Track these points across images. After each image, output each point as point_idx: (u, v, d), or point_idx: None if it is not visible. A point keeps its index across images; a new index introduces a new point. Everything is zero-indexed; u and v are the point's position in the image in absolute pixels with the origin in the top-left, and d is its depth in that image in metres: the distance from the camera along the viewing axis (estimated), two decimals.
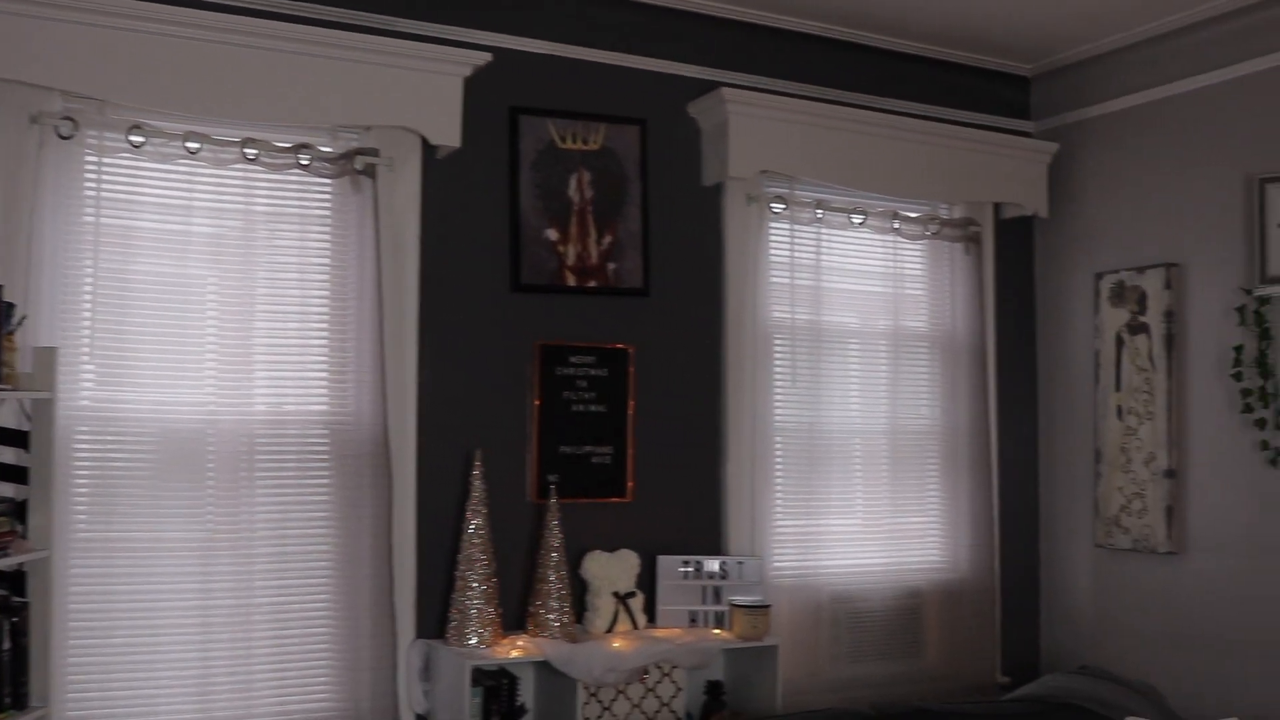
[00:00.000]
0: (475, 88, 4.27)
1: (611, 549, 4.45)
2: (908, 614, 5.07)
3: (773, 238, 4.84)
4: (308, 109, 3.99)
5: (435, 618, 4.21)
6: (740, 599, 4.46)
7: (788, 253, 4.86)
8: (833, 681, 4.84)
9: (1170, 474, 4.90)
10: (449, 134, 4.19)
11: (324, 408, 4.07)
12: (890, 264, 5.11)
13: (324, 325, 4.10)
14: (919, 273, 5.20)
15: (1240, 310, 4.60)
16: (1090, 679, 4.70)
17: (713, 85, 4.72)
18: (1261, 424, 4.52)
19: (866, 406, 5.05)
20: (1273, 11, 4.60)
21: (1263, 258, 4.48)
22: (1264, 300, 4.50)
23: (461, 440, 4.28)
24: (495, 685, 4.10)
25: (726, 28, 4.85)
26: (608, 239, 4.56)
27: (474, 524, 4.11)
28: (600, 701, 4.25)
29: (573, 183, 4.52)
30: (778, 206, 4.81)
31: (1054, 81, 5.47)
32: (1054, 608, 5.42)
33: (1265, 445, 4.53)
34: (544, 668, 4.15)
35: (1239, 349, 4.59)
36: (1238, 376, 4.59)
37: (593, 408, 4.52)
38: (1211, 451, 4.80)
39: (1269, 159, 4.61)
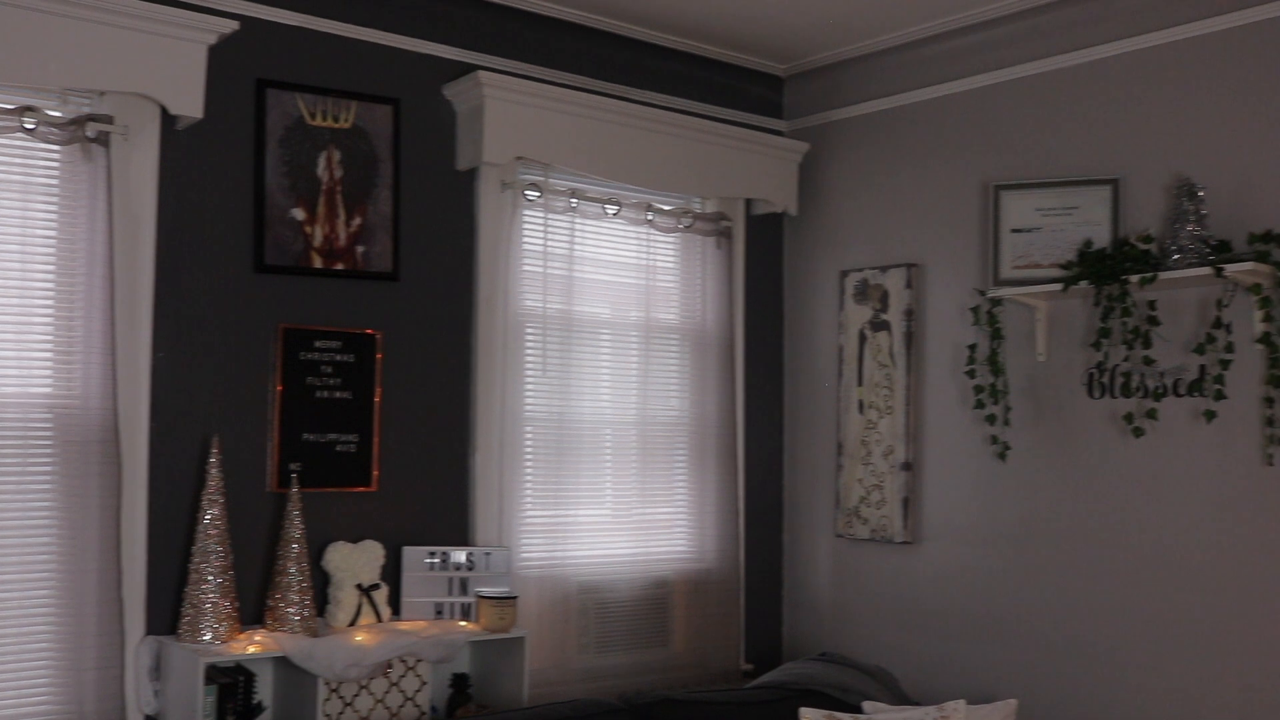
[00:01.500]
0: (220, 57, 4.06)
1: (355, 540, 4.32)
2: (655, 604, 5.11)
3: (526, 225, 4.78)
4: (33, 68, 3.70)
5: (167, 613, 3.99)
6: (487, 590, 4.40)
7: (541, 241, 4.81)
8: (581, 672, 4.82)
9: (907, 466, 5.08)
10: (190, 104, 3.97)
11: (48, 390, 3.80)
12: (643, 256, 5.13)
13: (49, 303, 3.82)
14: (671, 265, 5.24)
15: (975, 310, 4.80)
16: (830, 665, 4.83)
17: (470, 68, 4.63)
18: (992, 419, 4.73)
19: (617, 397, 5.05)
20: (1009, 28, 4.82)
21: (996, 261, 4.68)
22: (996, 301, 4.70)
23: (198, 427, 4.08)
24: (231, 683, 3.92)
25: (486, 10, 4.77)
26: (357, 221, 4.42)
27: (210, 514, 3.92)
28: (342, 697, 4.12)
29: (322, 161, 4.36)
30: (532, 194, 4.76)
31: (806, 82, 5.60)
32: (796, 596, 5.56)
33: (995, 440, 4.74)
34: (283, 664, 4.00)
35: (973, 348, 4.79)
36: (971, 374, 4.79)
37: (338, 394, 4.37)
38: (946, 445, 5.00)
39: (1004, 167, 4.83)
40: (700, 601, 5.18)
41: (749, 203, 5.48)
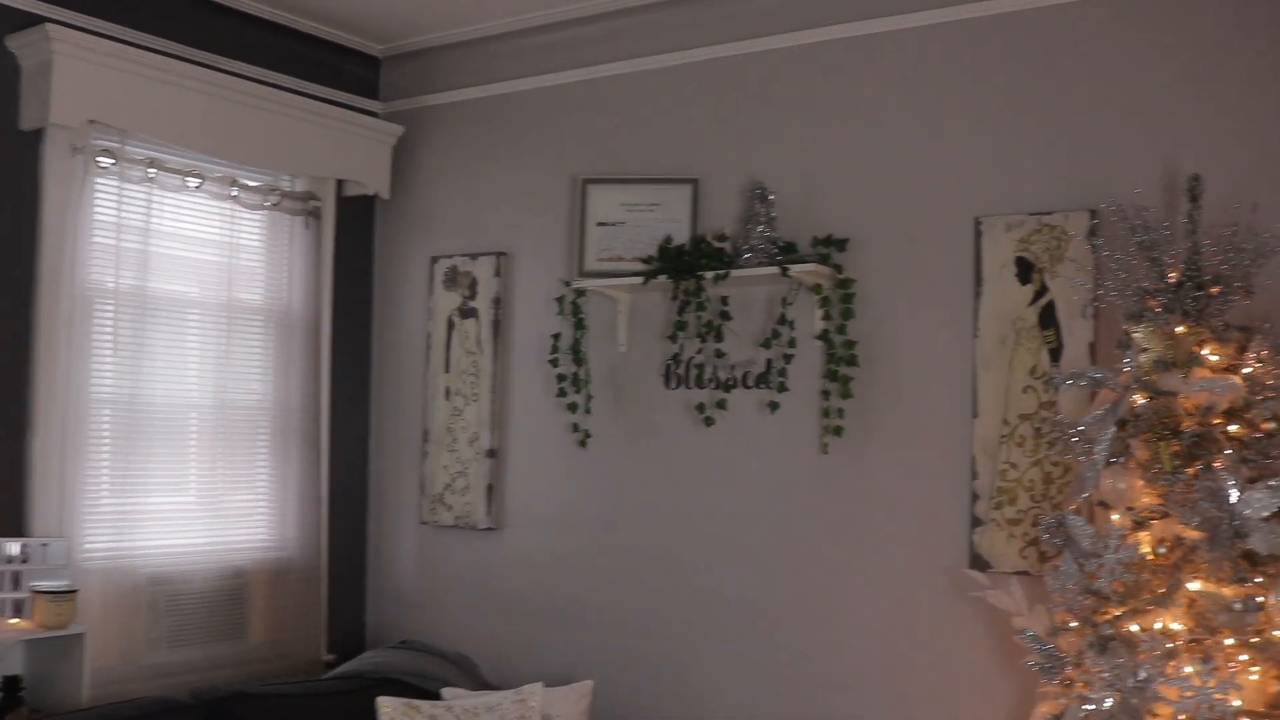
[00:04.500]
0: None
1: None
2: (232, 594, 4.92)
3: (98, 195, 4.48)
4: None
5: None
6: (43, 584, 4.10)
7: (115, 213, 4.52)
8: (151, 668, 4.57)
9: (492, 453, 5.13)
10: None
11: None
12: (227, 233, 4.93)
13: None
14: (256, 244, 5.06)
15: (560, 300, 4.91)
16: (410, 652, 4.82)
17: (38, 19, 4.30)
18: (574, 408, 4.85)
19: (196, 379, 4.83)
20: (602, 27, 4.96)
21: (581, 252, 4.81)
22: (581, 292, 4.82)
23: None
24: None
25: None
26: None
27: None
28: None
29: None
30: (106, 161, 4.47)
31: (403, 65, 5.55)
32: (380, 584, 5.51)
33: (577, 428, 4.87)
34: None
35: (557, 337, 4.90)
36: (554, 362, 4.90)
37: None
38: (530, 433, 5.09)
39: (591, 161, 4.96)
40: (280, 591, 5.03)
41: (340, 184, 5.38)
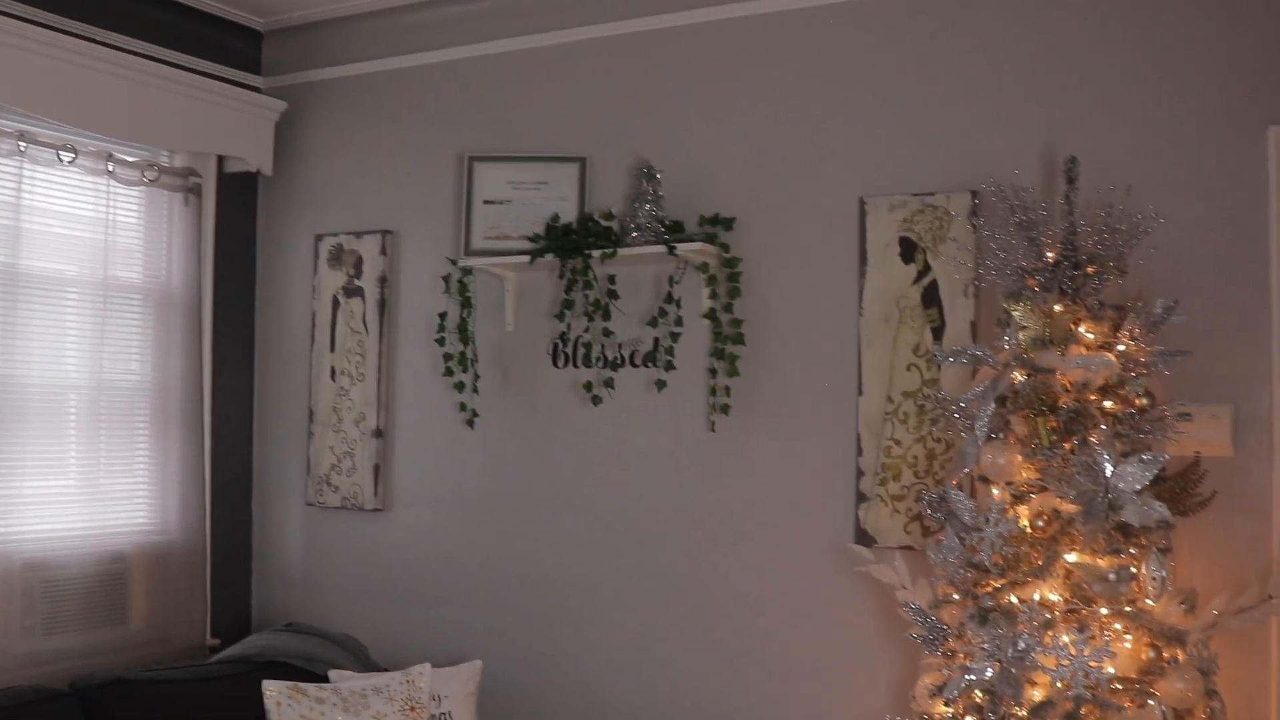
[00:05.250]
0: None
1: None
2: (112, 580, 4.80)
3: None
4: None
5: None
6: None
7: None
8: (24, 657, 4.44)
9: (379, 434, 5.08)
10: None
11: None
12: (103, 209, 4.79)
13: None
14: (134, 221, 4.93)
15: (446, 279, 4.87)
16: (296, 635, 4.76)
17: None
18: (461, 387, 4.82)
19: (74, 360, 4.70)
20: (488, 3, 4.92)
21: (468, 231, 4.77)
22: (467, 271, 4.79)
23: None
24: None
25: None
26: None
27: None
28: None
29: None
30: None
31: (286, 39, 5.44)
32: (266, 567, 5.42)
33: (464, 407, 4.84)
34: None
35: (443, 316, 4.86)
36: (441, 341, 4.86)
37: None
38: (417, 412, 5.05)
39: (478, 139, 4.92)
40: (162, 576, 4.93)
41: (221, 160, 5.26)
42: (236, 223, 5.39)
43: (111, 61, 4.66)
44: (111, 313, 4.82)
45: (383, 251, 5.10)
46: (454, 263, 4.84)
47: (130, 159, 4.86)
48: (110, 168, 4.76)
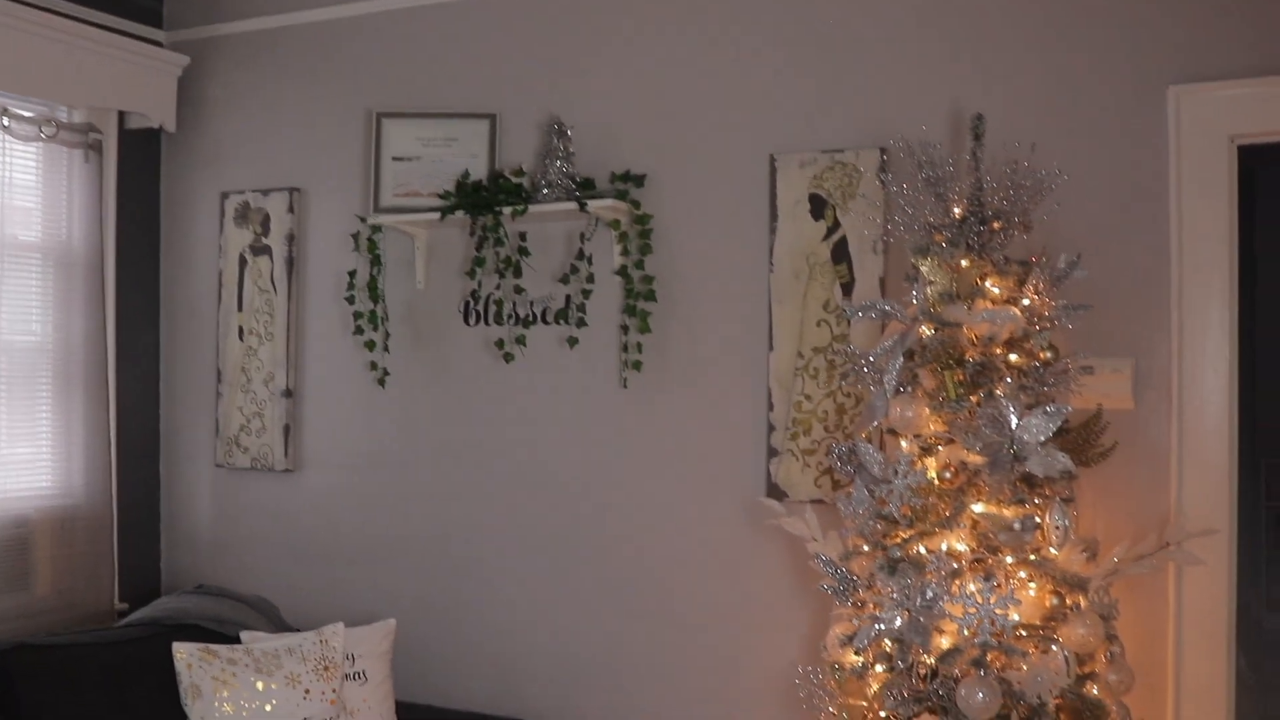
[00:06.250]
0: None
1: None
2: (15, 545, 4.71)
3: None
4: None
5: None
6: None
7: None
8: None
9: (288, 394, 5.03)
10: None
11: None
12: None
13: None
14: (31, 179, 4.81)
15: (355, 237, 4.81)
16: (206, 597, 4.71)
17: None
18: (371, 346, 4.78)
19: None
20: None
21: (377, 188, 4.71)
22: (377, 228, 4.74)
23: None
24: None
25: None
26: None
27: None
28: None
29: None
30: None
31: None
32: (175, 529, 5.35)
33: (374, 366, 4.80)
34: None
35: (353, 274, 4.81)
36: (351, 300, 4.81)
37: None
38: (327, 372, 5.00)
39: (387, 95, 4.85)
40: (67, 540, 4.84)
41: (123, 116, 5.13)
42: (139, 180, 5.28)
43: (5, 13, 4.51)
44: (9, 273, 4.70)
45: (290, 209, 5.02)
46: (363, 220, 4.78)
47: (26, 114, 4.73)
48: (5, 123, 4.63)
